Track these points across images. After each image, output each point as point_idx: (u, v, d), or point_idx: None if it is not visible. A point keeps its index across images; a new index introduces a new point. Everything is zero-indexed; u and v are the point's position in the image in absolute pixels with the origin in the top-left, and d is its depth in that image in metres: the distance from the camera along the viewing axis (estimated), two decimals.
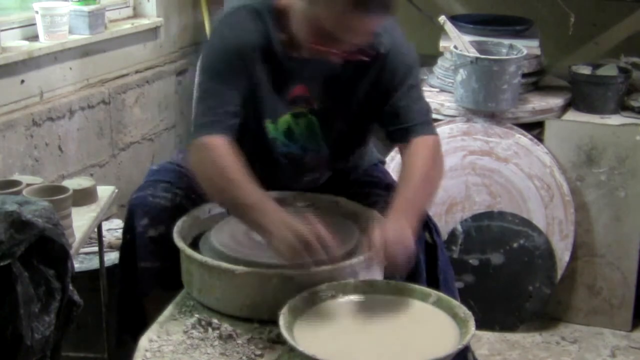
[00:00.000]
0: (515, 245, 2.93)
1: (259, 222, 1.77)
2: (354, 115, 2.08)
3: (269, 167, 2.08)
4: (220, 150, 1.85)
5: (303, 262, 1.70)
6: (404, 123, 2.00)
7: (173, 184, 2.08)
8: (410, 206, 1.86)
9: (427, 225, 2.10)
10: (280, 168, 2.09)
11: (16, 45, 2.59)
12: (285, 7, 1.92)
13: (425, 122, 2.02)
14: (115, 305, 2.18)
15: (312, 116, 2.06)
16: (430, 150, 1.98)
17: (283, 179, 2.05)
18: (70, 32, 2.79)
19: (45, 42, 2.68)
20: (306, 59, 1.95)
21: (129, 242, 2.04)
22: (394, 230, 1.76)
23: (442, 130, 2.95)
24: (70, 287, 1.65)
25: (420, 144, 1.98)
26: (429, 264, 2.08)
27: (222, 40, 1.95)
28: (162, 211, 2.02)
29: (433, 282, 2.05)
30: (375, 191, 2.17)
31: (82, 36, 2.82)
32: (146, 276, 2.02)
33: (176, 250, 1.90)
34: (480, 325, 2.14)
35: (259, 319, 1.77)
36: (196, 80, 2.23)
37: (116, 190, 2.36)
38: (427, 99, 3.03)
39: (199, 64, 2.06)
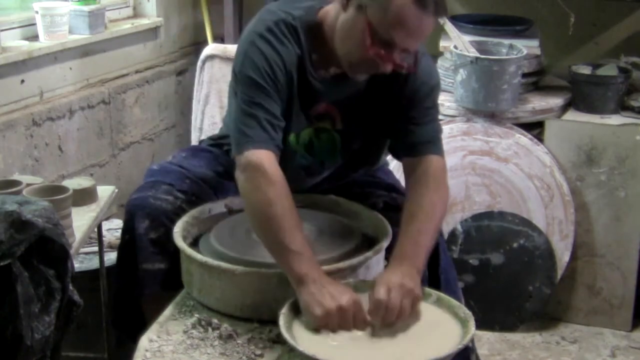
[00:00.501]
0: (515, 245, 2.93)
1: (297, 272, 1.70)
2: (372, 133, 2.10)
3: (285, 175, 2.07)
4: (269, 174, 1.80)
5: (331, 326, 1.65)
6: (414, 139, 1.99)
7: (174, 186, 2.07)
8: (416, 248, 1.84)
9: None
10: (295, 177, 2.08)
11: (16, 45, 2.60)
12: (320, 23, 1.92)
13: (434, 142, 2.01)
14: (112, 305, 2.18)
15: (335, 133, 2.06)
16: (435, 178, 1.96)
17: (294, 184, 2.04)
18: (70, 32, 2.79)
19: (45, 42, 2.68)
20: (333, 79, 1.97)
21: (129, 243, 2.04)
22: (397, 278, 1.73)
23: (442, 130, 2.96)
24: (70, 287, 1.65)
25: (425, 170, 1.96)
26: (431, 264, 2.08)
27: (266, 55, 1.89)
28: (163, 214, 2.01)
29: (434, 282, 2.05)
30: (377, 192, 2.17)
31: (82, 36, 2.82)
32: (147, 277, 2.01)
33: (176, 252, 1.90)
34: (480, 325, 2.14)
35: (259, 319, 1.77)
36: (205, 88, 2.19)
37: (116, 190, 2.36)
38: None
39: (231, 76, 2.01)
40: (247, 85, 1.89)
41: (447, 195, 2.00)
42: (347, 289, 1.71)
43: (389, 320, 1.68)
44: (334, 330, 1.65)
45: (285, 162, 1.96)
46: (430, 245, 1.88)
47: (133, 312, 2.05)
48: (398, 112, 2.00)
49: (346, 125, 2.06)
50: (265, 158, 1.82)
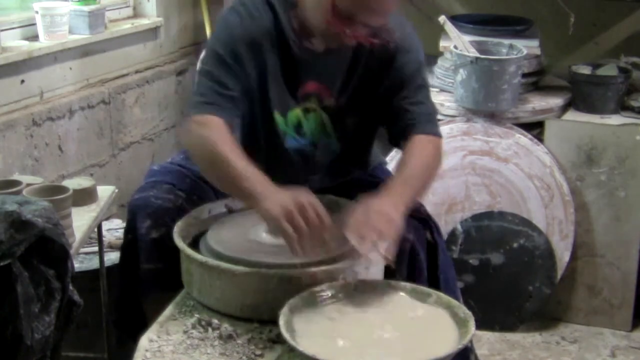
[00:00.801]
0: (515, 245, 2.93)
1: (250, 190, 1.75)
2: (363, 111, 2.11)
3: (281, 163, 2.09)
4: (214, 127, 1.86)
5: (297, 225, 1.67)
6: (409, 122, 2.02)
7: (175, 186, 2.08)
8: (405, 186, 1.87)
9: (427, 224, 2.11)
10: (291, 165, 2.10)
11: (16, 45, 2.59)
12: None
13: (430, 122, 2.04)
14: (114, 305, 2.18)
15: (322, 112, 2.07)
16: (431, 148, 2.00)
17: (292, 177, 2.05)
18: (70, 32, 2.79)
19: (45, 42, 2.68)
20: (318, 51, 1.99)
21: (131, 243, 2.04)
22: (379, 204, 1.76)
23: (442, 130, 2.94)
24: (70, 287, 1.65)
25: (422, 140, 1.99)
26: (430, 264, 2.08)
27: (231, 27, 1.95)
28: (164, 213, 2.02)
29: (434, 282, 2.05)
30: (376, 191, 2.17)
31: (82, 36, 2.82)
32: (148, 277, 2.01)
33: (178, 252, 1.90)
34: (480, 325, 2.14)
35: (259, 319, 1.77)
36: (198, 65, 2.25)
37: (116, 190, 2.36)
38: None
39: (204, 51, 2.08)
40: (208, 56, 1.96)
41: (441, 163, 2.04)
42: (301, 189, 1.74)
43: (364, 234, 1.69)
44: (300, 226, 1.66)
45: (276, 145, 2.03)
46: (419, 191, 1.92)
47: (136, 312, 2.05)
48: (389, 92, 2.03)
49: (336, 101, 2.07)
50: (209, 119, 1.87)
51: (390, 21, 1.94)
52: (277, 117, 2.04)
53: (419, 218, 2.10)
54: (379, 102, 2.06)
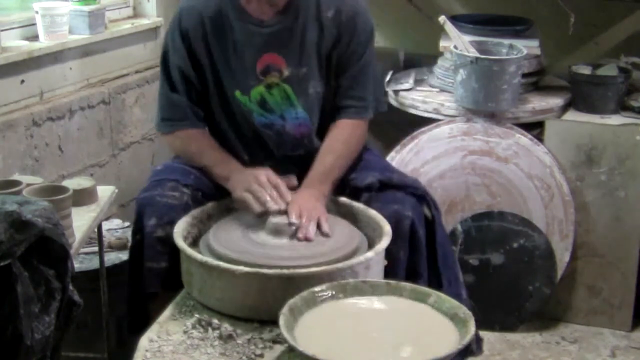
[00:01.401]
0: (515, 245, 2.93)
1: (222, 174, 2.10)
2: (323, 76, 2.17)
3: (253, 141, 2.19)
4: (186, 137, 2.19)
5: (259, 196, 1.97)
6: (343, 102, 2.19)
7: (180, 181, 2.10)
8: (326, 176, 2.11)
9: (425, 200, 2.12)
10: (264, 141, 2.18)
11: (16, 45, 2.59)
12: None
13: (362, 107, 2.20)
14: (127, 310, 2.16)
15: (285, 85, 2.10)
16: (354, 132, 2.19)
17: (268, 154, 2.18)
18: (70, 32, 2.79)
19: (45, 42, 2.68)
20: (267, 19, 2.08)
21: (139, 244, 2.04)
22: (307, 200, 2.01)
23: (442, 130, 2.96)
24: (70, 287, 1.65)
25: (348, 125, 2.18)
26: (428, 239, 2.09)
27: (178, 14, 2.16)
28: (170, 210, 2.02)
29: (432, 258, 2.07)
30: (371, 173, 2.19)
31: (82, 36, 2.82)
32: (151, 276, 2.01)
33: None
34: (480, 325, 2.14)
35: (259, 319, 1.78)
36: None
37: (116, 190, 2.36)
38: (427, 99, 3.05)
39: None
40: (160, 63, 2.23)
41: (360, 146, 2.24)
42: (263, 168, 2.05)
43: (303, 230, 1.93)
44: (266, 196, 1.97)
45: (245, 123, 2.15)
46: (338, 179, 2.14)
47: (145, 313, 2.05)
48: (342, 59, 2.15)
49: (295, 70, 2.13)
50: (180, 133, 2.20)
51: None
52: (240, 96, 2.09)
53: (416, 195, 2.11)
54: (336, 66, 2.16)
